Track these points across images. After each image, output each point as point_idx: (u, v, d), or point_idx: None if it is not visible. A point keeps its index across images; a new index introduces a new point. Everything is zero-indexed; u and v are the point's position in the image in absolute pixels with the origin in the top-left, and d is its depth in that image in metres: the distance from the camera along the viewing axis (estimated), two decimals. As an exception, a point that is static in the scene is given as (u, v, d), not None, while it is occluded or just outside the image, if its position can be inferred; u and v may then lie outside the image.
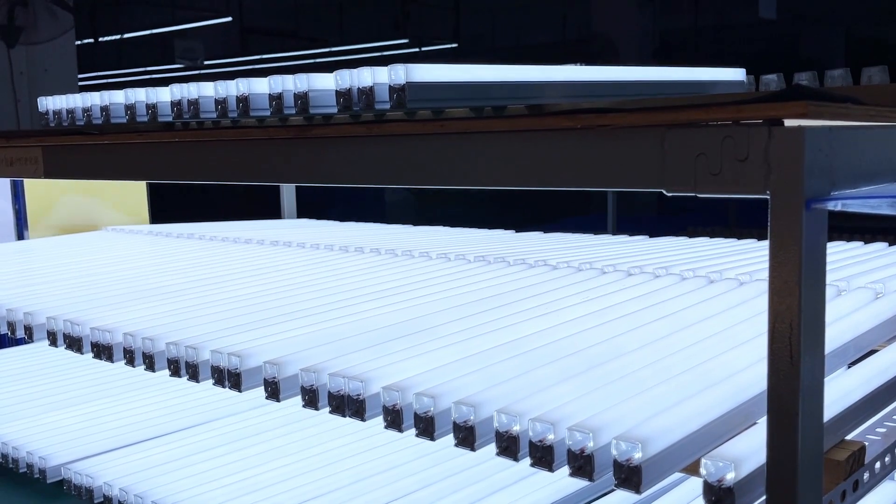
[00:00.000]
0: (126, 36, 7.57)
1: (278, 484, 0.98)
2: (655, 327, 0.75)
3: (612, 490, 0.94)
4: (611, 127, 0.50)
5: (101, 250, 1.49)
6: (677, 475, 0.78)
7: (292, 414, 1.23)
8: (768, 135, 0.43)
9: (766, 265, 0.84)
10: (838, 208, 0.42)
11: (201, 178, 0.76)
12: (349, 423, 1.17)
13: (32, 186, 1.91)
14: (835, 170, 0.43)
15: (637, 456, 0.50)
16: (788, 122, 0.44)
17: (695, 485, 0.92)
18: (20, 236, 1.89)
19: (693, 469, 0.57)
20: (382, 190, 6.92)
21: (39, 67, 4.34)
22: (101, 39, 6.85)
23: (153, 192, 2.12)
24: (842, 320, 0.72)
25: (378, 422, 1.17)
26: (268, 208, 2.12)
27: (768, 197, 0.43)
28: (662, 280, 0.96)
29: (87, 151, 0.86)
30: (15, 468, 1.14)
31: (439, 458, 1.04)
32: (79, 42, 4.99)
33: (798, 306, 0.42)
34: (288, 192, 2.09)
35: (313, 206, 2.38)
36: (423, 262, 1.20)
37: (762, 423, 0.53)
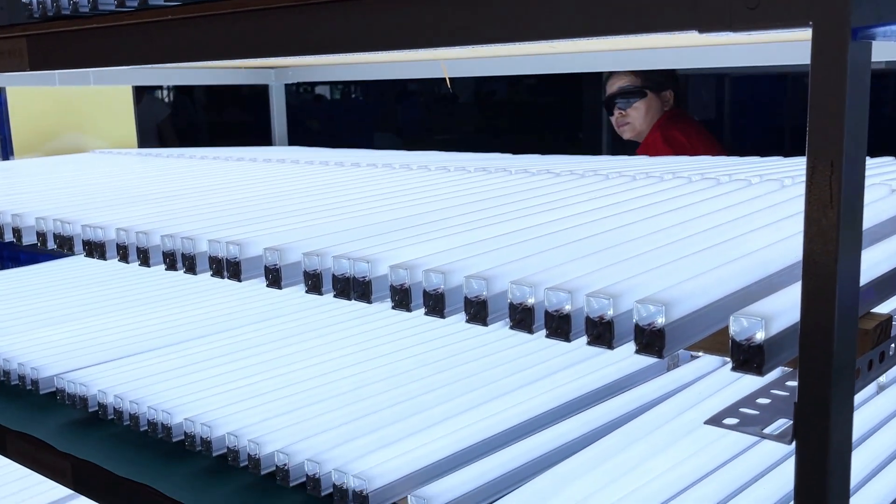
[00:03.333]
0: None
1: (275, 391, 0.96)
2: (668, 217, 0.73)
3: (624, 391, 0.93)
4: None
5: (89, 167, 1.45)
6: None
7: (289, 328, 1.21)
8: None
9: (776, 171, 0.81)
10: (886, 39, 0.40)
11: (198, 58, 0.73)
12: (348, 336, 1.17)
13: (18, 120, 1.86)
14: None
15: (660, 320, 0.48)
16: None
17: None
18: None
19: (714, 344, 0.55)
20: (371, 138, 6.88)
21: None
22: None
23: (142, 137, 2.07)
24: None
25: (378, 335, 1.16)
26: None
27: (810, 28, 0.40)
28: (670, 182, 0.94)
29: (75, 40, 0.82)
30: (6, 380, 1.12)
31: (441, 366, 1.02)
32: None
33: (841, 143, 0.39)
34: (279, 120, 2.05)
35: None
36: (422, 173, 1.17)
37: (793, 287, 0.51)
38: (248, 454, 0.83)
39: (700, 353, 1.05)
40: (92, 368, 1.05)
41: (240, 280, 0.71)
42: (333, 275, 0.64)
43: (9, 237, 0.94)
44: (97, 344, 1.16)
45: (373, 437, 0.83)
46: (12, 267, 1.72)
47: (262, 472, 0.82)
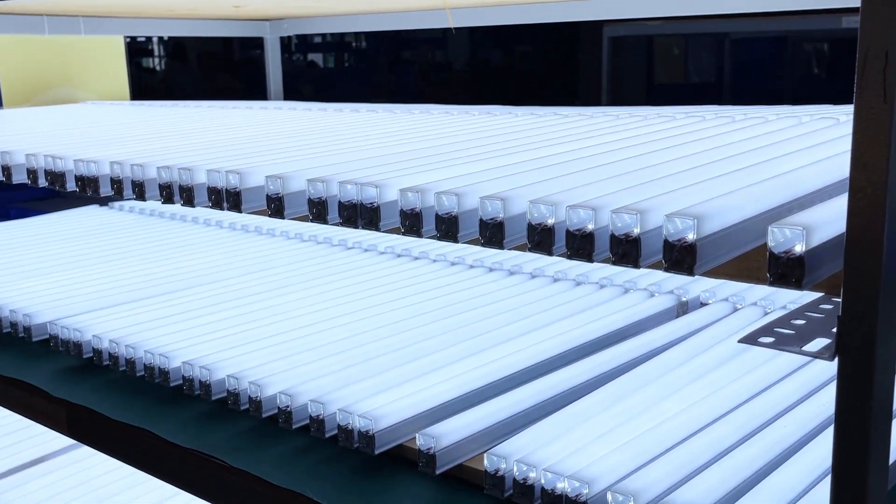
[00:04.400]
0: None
1: (273, 337, 0.93)
2: (689, 147, 0.70)
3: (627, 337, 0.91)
4: None
5: (81, 115, 1.41)
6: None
7: (283, 279, 1.18)
8: None
9: (790, 112, 0.77)
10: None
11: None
12: (343, 286, 1.14)
13: (6, 72, 1.81)
14: None
15: (691, 236, 0.46)
16: None
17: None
18: (-6, 112, 1.80)
19: (742, 270, 0.52)
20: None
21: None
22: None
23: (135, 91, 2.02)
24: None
25: (374, 286, 1.14)
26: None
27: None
28: (684, 120, 0.91)
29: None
30: (-3, 328, 1.09)
31: (441, 315, 1.00)
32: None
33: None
34: (274, 75, 2.00)
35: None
36: (424, 116, 1.14)
37: (832, 201, 0.48)
38: (249, 396, 0.80)
39: (710, 300, 1.02)
40: (85, 315, 1.03)
41: (240, 211, 0.67)
42: (339, 201, 0.61)
43: (-2, 176, 0.91)
44: (90, 293, 1.13)
45: (375, 380, 0.80)
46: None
47: (264, 415, 0.80)
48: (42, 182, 0.86)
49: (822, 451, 0.63)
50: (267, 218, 1.61)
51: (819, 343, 0.44)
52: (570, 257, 0.50)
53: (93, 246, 1.41)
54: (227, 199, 0.68)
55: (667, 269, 0.46)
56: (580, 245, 0.50)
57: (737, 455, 0.63)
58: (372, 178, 0.61)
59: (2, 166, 0.90)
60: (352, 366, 0.84)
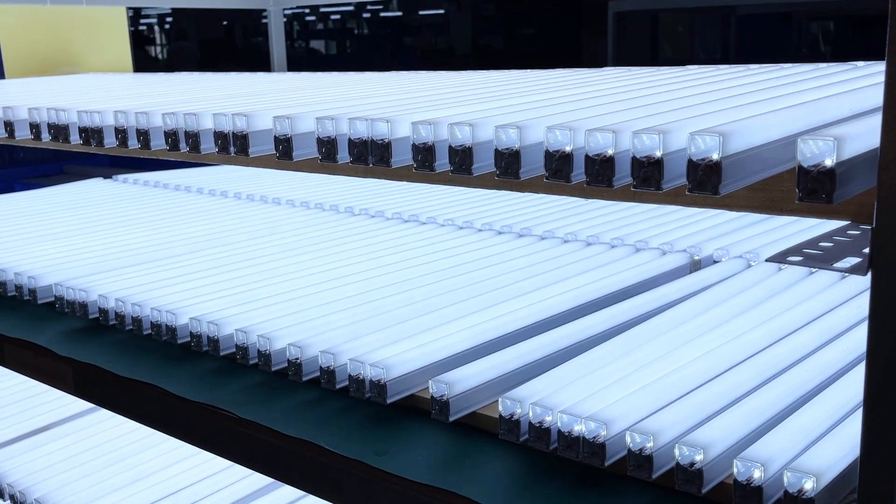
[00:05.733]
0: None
1: (281, 295, 0.92)
2: (707, 87, 0.69)
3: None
4: None
5: (83, 82, 1.40)
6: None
7: (289, 242, 1.17)
8: None
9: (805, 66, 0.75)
10: None
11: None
12: (350, 249, 1.13)
13: (8, 43, 1.79)
14: None
15: (715, 155, 0.44)
16: None
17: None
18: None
19: (764, 202, 0.51)
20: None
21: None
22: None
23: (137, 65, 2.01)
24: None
25: (381, 248, 1.12)
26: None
27: None
28: (697, 70, 0.89)
29: None
30: (3, 292, 1.08)
31: (450, 273, 0.99)
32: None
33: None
34: (278, 48, 1.99)
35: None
36: (430, 74, 1.12)
37: (864, 118, 0.47)
38: (259, 350, 0.79)
39: (724, 258, 1.01)
40: (91, 277, 1.01)
41: (247, 154, 0.66)
42: (349, 139, 0.59)
43: (1, 133, 0.89)
44: (95, 257, 1.12)
45: (386, 333, 0.79)
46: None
47: (273, 369, 0.79)
48: (45, 136, 0.84)
49: (843, 394, 0.62)
50: (273, 187, 1.60)
51: (849, 261, 0.42)
52: (589, 184, 0.49)
53: (97, 214, 1.40)
54: (233, 143, 0.67)
55: (690, 191, 0.45)
56: (600, 171, 0.48)
57: (757, 398, 0.62)
58: (383, 115, 0.59)
59: (4, 122, 0.88)
60: (362, 320, 0.83)
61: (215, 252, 1.13)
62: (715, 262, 1.01)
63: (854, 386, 0.62)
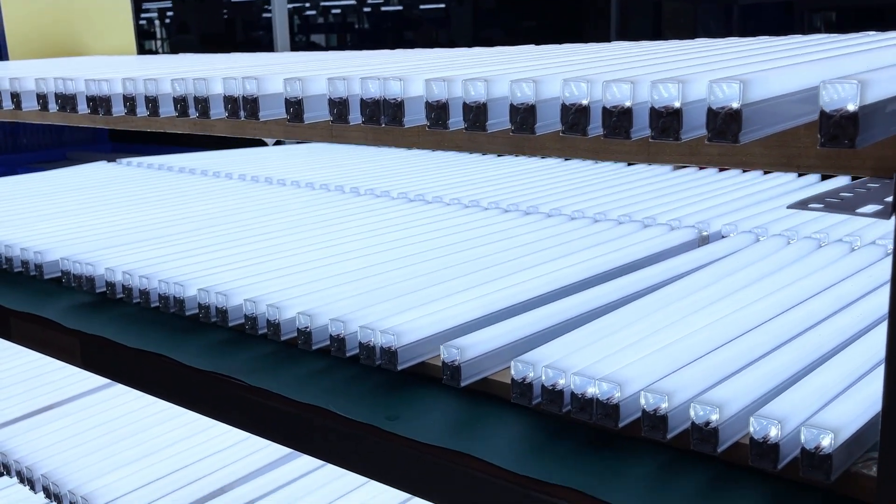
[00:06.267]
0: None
1: (288, 268, 0.92)
2: (722, 49, 0.68)
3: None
4: None
5: (87, 61, 1.39)
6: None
7: (295, 220, 1.16)
8: None
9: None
10: None
11: None
12: (356, 226, 1.12)
13: (12, 27, 1.79)
14: None
15: (735, 104, 0.44)
16: None
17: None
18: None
19: (780, 158, 0.51)
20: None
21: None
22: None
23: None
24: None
25: (386, 225, 1.12)
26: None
27: None
28: (711, 41, 0.89)
29: None
30: (9, 268, 1.07)
31: (456, 248, 0.98)
32: None
33: None
34: (281, 29, 1.98)
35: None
36: (438, 50, 1.11)
37: (889, 67, 0.46)
38: (268, 320, 0.79)
39: (732, 233, 1.01)
40: (97, 252, 1.01)
41: (258, 118, 0.66)
42: (362, 99, 0.59)
43: (7, 104, 0.89)
44: (100, 234, 1.12)
45: (394, 303, 0.78)
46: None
47: (283, 338, 0.78)
48: (52, 107, 0.84)
49: (859, 356, 0.61)
50: (278, 170, 1.59)
51: (872, 208, 0.42)
52: (606, 136, 0.48)
53: (103, 194, 1.39)
54: (243, 107, 0.66)
55: (710, 140, 0.45)
56: (617, 122, 0.48)
57: (772, 360, 0.62)
58: (396, 74, 0.59)
59: (11, 93, 0.88)
60: (370, 291, 0.82)
61: (222, 229, 1.12)
62: (723, 237, 1.01)
63: (871, 349, 0.62)
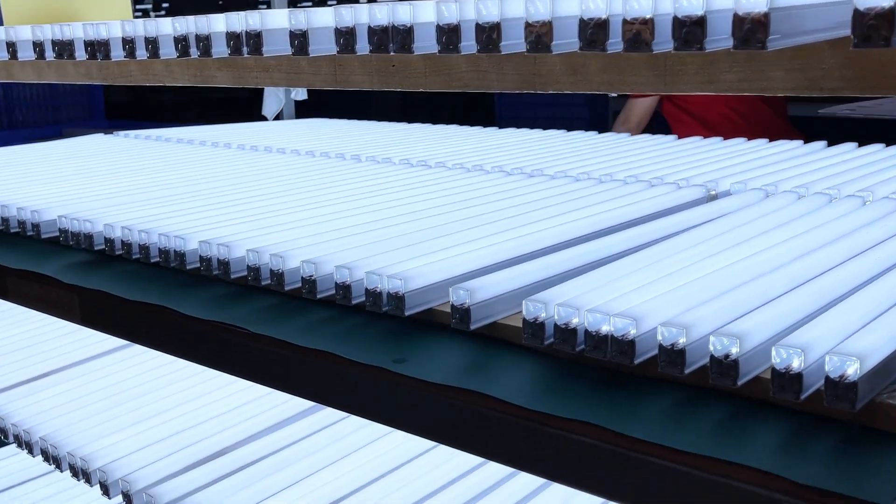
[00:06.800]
0: None
1: (290, 222, 0.90)
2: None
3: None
4: None
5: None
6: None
7: (289, 182, 1.15)
8: None
9: None
10: None
11: None
12: (359, 187, 1.10)
13: (8, 6, 1.76)
14: None
15: (762, 9, 0.42)
16: None
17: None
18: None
19: (804, 81, 0.49)
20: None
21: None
22: None
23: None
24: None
25: (386, 186, 1.10)
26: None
27: None
28: None
29: None
30: (5, 228, 1.05)
31: (460, 206, 0.96)
32: None
33: None
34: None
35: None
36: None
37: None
38: (271, 270, 0.77)
39: (741, 191, 0.99)
40: (95, 212, 0.99)
41: (261, 53, 0.64)
42: (369, 27, 0.57)
43: (3, 55, 0.87)
44: (98, 195, 1.10)
45: (400, 252, 0.77)
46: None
47: (287, 288, 0.77)
48: (49, 54, 0.82)
49: (879, 294, 0.60)
50: (276, 139, 1.57)
51: (905, 113, 0.40)
52: (626, 50, 0.47)
53: (101, 162, 1.37)
54: (246, 42, 0.65)
55: (735, 48, 0.43)
56: (637, 35, 0.46)
57: (791, 297, 0.60)
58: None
59: (6, 43, 0.86)
60: (376, 242, 0.81)
61: (223, 190, 1.11)
62: (732, 194, 0.99)
63: (893, 287, 0.60)
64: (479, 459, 0.96)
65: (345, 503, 0.90)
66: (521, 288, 0.68)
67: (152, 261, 0.88)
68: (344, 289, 0.72)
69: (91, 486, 0.94)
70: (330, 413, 1.03)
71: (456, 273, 0.72)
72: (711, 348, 0.53)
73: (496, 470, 0.97)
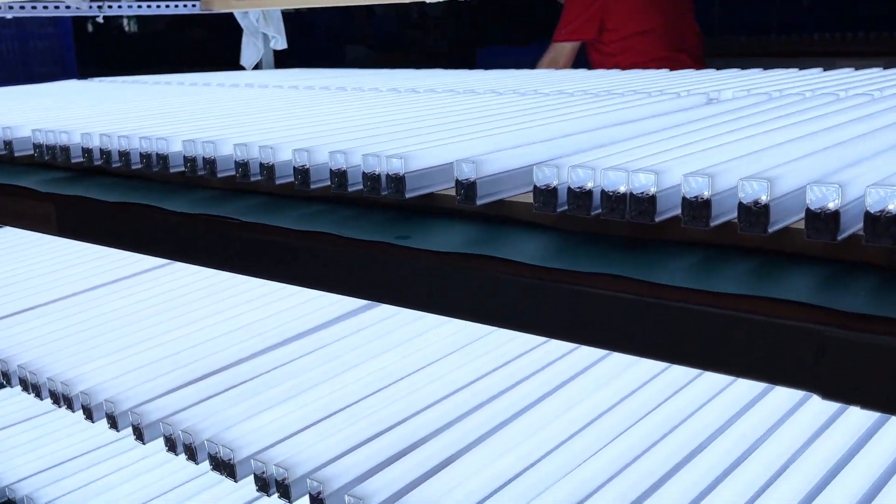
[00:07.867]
0: None
1: (279, 123, 0.85)
2: None
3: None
4: None
5: None
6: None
7: (277, 104, 1.10)
8: None
9: None
10: None
11: None
12: (344, 104, 1.06)
13: None
14: None
15: None
16: None
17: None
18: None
19: None
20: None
21: None
22: None
23: None
24: None
25: (378, 103, 1.06)
26: None
27: None
28: None
29: None
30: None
31: (449, 112, 0.93)
32: None
33: None
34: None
35: None
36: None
37: None
38: (261, 163, 0.73)
39: (744, 92, 0.96)
40: (72, 125, 0.94)
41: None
42: None
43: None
44: (75, 117, 1.05)
45: (397, 142, 0.72)
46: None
47: (278, 182, 0.72)
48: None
49: (907, 153, 0.57)
50: (258, 77, 1.53)
51: None
52: None
53: (77, 98, 1.32)
54: None
55: None
56: None
57: (819, 155, 0.57)
58: None
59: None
60: (370, 136, 0.77)
61: (206, 111, 1.06)
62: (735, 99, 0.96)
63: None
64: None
65: (344, 413, 0.86)
66: (529, 165, 0.64)
67: (133, 168, 0.84)
68: (339, 175, 0.68)
69: (73, 411, 0.89)
70: (324, 335, 1.00)
71: (459, 156, 0.68)
72: (741, 194, 0.50)
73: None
